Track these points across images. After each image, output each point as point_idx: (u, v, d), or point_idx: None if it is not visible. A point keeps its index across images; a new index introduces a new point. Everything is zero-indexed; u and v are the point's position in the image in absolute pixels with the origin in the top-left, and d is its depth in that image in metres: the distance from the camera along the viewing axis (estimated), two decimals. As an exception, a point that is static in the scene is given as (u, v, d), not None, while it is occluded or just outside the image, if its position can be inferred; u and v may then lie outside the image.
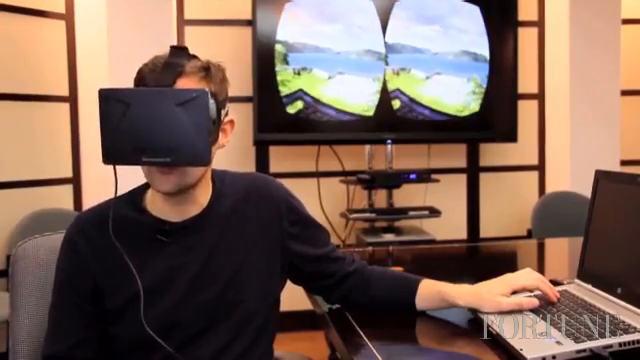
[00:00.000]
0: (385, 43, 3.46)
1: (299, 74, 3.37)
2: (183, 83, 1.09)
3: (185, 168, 1.09)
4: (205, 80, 1.11)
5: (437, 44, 3.51)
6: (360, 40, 3.43)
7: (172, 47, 1.13)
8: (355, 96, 3.43)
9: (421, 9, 3.50)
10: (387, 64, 3.46)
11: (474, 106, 3.57)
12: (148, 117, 1.01)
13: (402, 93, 3.48)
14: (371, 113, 3.45)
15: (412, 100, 3.49)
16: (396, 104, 3.47)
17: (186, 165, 1.07)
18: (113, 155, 1.04)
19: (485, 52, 3.57)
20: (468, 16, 3.56)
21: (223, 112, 1.15)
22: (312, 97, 3.38)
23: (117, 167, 1.06)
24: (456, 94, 3.55)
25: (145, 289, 1.09)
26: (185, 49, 1.13)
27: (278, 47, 3.33)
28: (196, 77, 1.10)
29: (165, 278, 1.14)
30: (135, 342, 1.13)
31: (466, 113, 3.56)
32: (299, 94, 3.37)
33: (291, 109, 3.37)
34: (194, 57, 1.14)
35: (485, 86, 3.57)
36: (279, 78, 3.35)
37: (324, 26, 3.39)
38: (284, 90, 3.36)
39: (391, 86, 3.46)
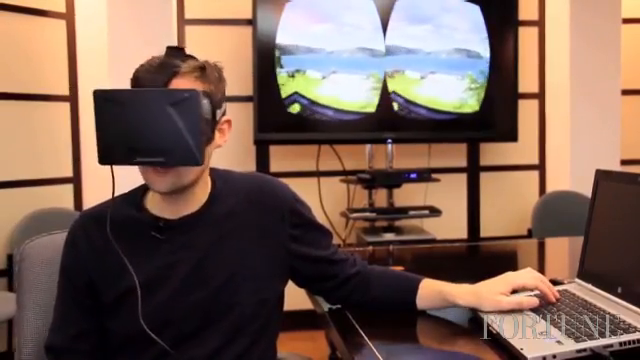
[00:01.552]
0: (385, 43, 3.46)
1: (293, 76, 3.37)
2: (178, 83, 1.09)
3: (180, 168, 1.09)
4: (200, 80, 1.11)
5: (430, 44, 3.52)
6: (354, 38, 3.43)
7: (168, 47, 1.13)
8: (351, 94, 3.43)
9: (416, 9, 3.50)
10: (386, 64, 3.46)
11: (472, 102, 3.57)
12: (141, 117, 1.02)
13: (398, 95, 3.48)
14: (369, 110, 3.44)
15: (409, 102, 3.49)
16: (395, 106, 3.48)
17: (178, 165, 1.08)
18: (108, 156, 1.05)
19: (478, 48, 3.57)
20: (459, 14, 3.55)
21: (219, 112, 1.15)
22: (308, 99, 3.38)
23: (116, 167, 1.07)
24: (453, 92, 3.55)
25: (139, 285, 1.11)
26: (181, 49, 1.14)
27: (276, 51, 3.34)
28: (191, 77, 1.10)
29: (158, 275, 1.15)
30: (129, 338, 1.14)
31: (465, 110, 3.56)
32: (295, 97, 3.37)
33: (291, 110, 3.38)
34: (191, 57, 1.14)
35: (481, 82, 3.57)
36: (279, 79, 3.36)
37: (319, 26, 3.39)
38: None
39: (390, 87, 3.46)
